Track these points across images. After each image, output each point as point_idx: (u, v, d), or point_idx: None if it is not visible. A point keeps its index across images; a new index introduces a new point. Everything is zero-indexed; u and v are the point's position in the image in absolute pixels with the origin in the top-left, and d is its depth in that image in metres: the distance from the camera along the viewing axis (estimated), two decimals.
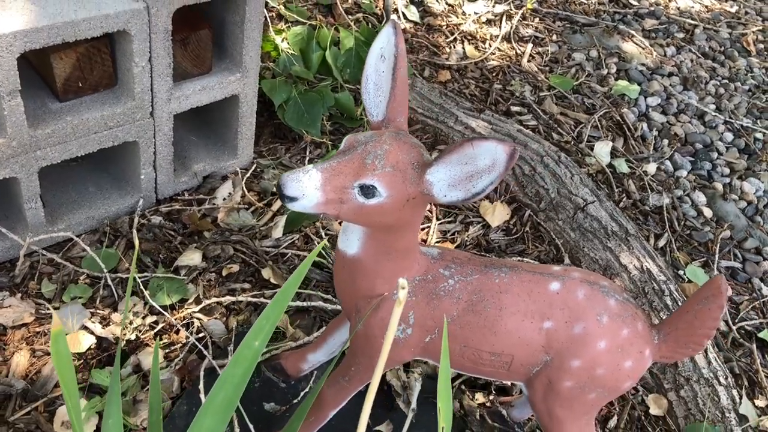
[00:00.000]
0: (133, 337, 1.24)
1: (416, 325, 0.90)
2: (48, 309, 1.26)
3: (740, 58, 2.31)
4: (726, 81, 2.18)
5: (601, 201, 1.61)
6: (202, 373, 1.15)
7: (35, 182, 1.26)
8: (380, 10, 2.03)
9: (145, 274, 1.34)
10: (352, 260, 0.88)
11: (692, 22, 2.41)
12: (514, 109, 1.84)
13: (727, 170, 1.88)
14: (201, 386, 1.13)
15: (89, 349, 1.22)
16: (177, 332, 1.26)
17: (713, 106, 2.05)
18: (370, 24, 1.93)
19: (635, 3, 2.45)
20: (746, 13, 2.59)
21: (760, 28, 2.48)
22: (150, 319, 1.27)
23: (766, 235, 1.74)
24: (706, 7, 2.56)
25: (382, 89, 0.83)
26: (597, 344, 0.88)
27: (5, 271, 1.30)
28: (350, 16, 1.96)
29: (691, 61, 2.23)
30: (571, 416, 0.93)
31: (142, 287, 1.30)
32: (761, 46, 2.41)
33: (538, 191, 1.63)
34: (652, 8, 2.43)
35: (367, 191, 0.77)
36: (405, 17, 2.05)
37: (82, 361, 1.21)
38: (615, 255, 1.52)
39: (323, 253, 1.44)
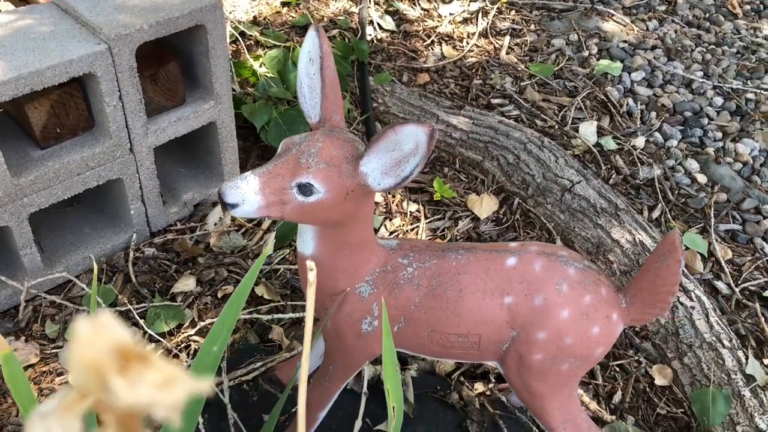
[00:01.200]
0: None
1: (382, 317, 0.92)
2: (52, 349, 1.31)
3: (726, 22, 2.29)
4: (713, 46, 2.17)
5: (588, 180, 1.61)
6: None
7: (26, 229, 1.31)
8: (355, 24, 2.06)
9: (143, 304, 1.38)
10: (309, 260, 0.90)
11: None
12: (495, 101, 1.85)
13: (719, 134, 1.86)
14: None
15: None
16: (176, 356, 1.30)
17: (700, 73, 2.04)
18: (346, 39, 1.97)
19: None
20: None
21: None
22: (149, 347, 1.31)
23: (765, 194, 1.71)
24: None
25: (315, 91, 0.86)
26: (560, 313, 0.88)
27: (9, 317, 1.35)
28: (328, 33, 2.00)
29: (675, 32, 2.21)
30: (549, 389, 0.94)
31: (138, 318, 1.34)
32: (747, 7, 2.39)
33: (524, 178, 1.64)
34: None
35: (305, 189, 0.79)
36: (381, 27, 2.08)
37: None
38: (606, 231, 1.52)
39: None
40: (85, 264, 1.45)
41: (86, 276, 1.44)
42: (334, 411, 1.18)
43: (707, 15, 2.32)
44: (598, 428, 1.01)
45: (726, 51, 2.15)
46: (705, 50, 2.14)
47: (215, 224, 1.55)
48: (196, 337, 1.32)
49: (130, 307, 1.36)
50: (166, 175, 1.57)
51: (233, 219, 1.56)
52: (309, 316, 0.58)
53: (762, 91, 1.97)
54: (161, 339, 1.31)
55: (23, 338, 1.32)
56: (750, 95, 1.97)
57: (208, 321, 1.33)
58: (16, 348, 1.30)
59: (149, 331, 1.31)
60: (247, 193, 0.79)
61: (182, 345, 1.31)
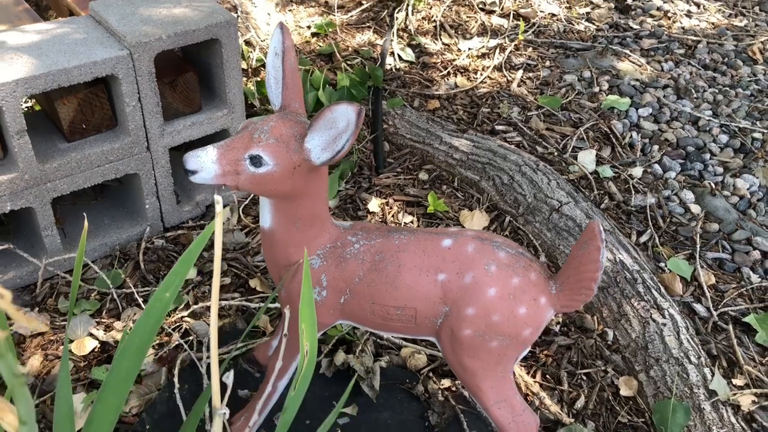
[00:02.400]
0: None
1: (329, 287, 1.02)
2: (61, 321, 1.44)
3: (744, 67, 2.33)
4: (726, 88, 2.21)
5: (576, 202, 1.67)
6: (178, 363, 1.29)
7: (49, 212, 1.46)
8: (377, 54, 2.20)
9: (147, 288, 1.51)
10: (268, 233, 1.01)
11: (695, 38, 2.46)
12: (500, 128, 1.95)
13: (720, 169, 1.89)
14: (176, 373, 1.27)
15: (92, 351, 1.39)
16: (169, 335, 1.41)
17: (709, 112, 2.09)
18: (365, 66, 2.11)
19: (636, 27, 2.52)
20: (756, 25, 2.61)
21: None
22: None
23: (759, 227, 1.74)
24: (712, 24, 2.60)
25: (278, 81, 0.98)
26: (487, 291, 0.96)
27: (28, 292, 1.50)
28: (349, 62, 2.15)
29: (690, 73, 2.27)
30: (481, 366, 1.01)
31: (141, 300, 1.47)
32: None
33: (516, 198, 1.72)
34: (653, 30, 2.50)
35: (256, 161, 0.91)
36: (401, 58, 2.21)
37: (85, 362, 1.37)
38: None
39: None
40: (102, 250, 1.59)
41: (101, 261, 1.59)
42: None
43: (725, 59, 2.37)
44: (533, 413, 1.06)
45: (740, 93, 2.19)
46: (717, 92, 2.19)
47: (222, 223, 1.68)
48: (188, 319, 1.43)
49: (134, 290, 1.50)
50: (183, 177, 1.72)
51: (239, 219, 1.69)
52: (218, 236, 0.68)
53: None
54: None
55: (36, 309, 1.46)
56: (757, 135, 2.00)
57: (201, 305, 1.45)
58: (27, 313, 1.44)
59: None
60: (206, 162, 0.91)
61: (175, 325, 1.43)
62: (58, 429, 0.89)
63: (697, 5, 2.72)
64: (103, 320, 1.45)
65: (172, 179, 1.62)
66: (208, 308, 1.46)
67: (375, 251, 1.00)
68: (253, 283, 1.52)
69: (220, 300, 1.49)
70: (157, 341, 1.40)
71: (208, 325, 1.42)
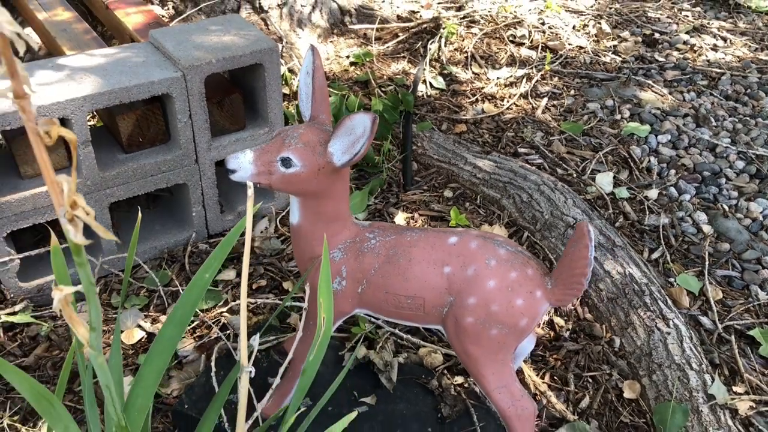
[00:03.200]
0: None
1: (348, 278, 1.15)
2: (112, 314, 1.60)
3: (766, 98, 2.41)
4: (746, 118, 2.29)
5: (591, 219, 1.78)
6: (215, 352, 1.43)
7: (107, 215, 1.63)
8: (409, 81, 2.35)
9: (200, 298, 1.66)
10: (296, 228, 1.15)
11: (719, 71, 2.55)
12: (522, 150, 2.07)
13: (735, 193, 1.97)
14: (213, 359, 1.41)
15: (140, 341, 1.54)
16: (209, 328, 1.56)
17: (727, 140, 2.17)
18: (398, 92, 2.26)
19: (662, 59, 2.63)
20: None
21: None
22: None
23: None
24: (738, 57, 2.69)
25: (309, 97, 1.13)
26: (487, 283, 1.08)
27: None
28: (383, 89, 2.30)
29: (712, 103, 2.36)
30: (483, 353, 1.12)
31: None
32: None
33: (534, 215, 1.83)
34: (678, 62, 2.60)
35: (286, 162, 1.05)
36: (432, 86, 2.36)
37: (133, 350, 1.52)
38: (600, 263, 1.67)
39: None
40: (152, 253, 1.75)
41: (151, 262, 1.75)
42: (325, 385, 1.40)
43: (748, 90, 2.45)
44: (531, 399, 1.17)
45: (759, 123, 2.27)
46: (737, 121, 2.27)
47: (261, 231, 1.83)
48: (226, 314, 1.58)
49: (179, 288, 1.65)
50: (228, 189, 1.88)
51: (276, 229, 1.84)
52: (249, 214, 0.82)
53: None
54: (200, 312, 1.58)
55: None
56: None
57: (237, 302, 1.60)
58: (84, 310, 1.60)
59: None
60: (244, 162, 1.05)
61: (214, 320, 1.57)
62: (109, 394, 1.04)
63: (724, 39, 2.81)
64: (150, 314, 1.60)
65: (217, 190, 1.78)
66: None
67: (389, 246, 1.13)
68: (287, 285, 1.66)
69: (256, 299, 1.63)
70: (198, 333, 1.55)
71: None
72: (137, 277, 1.70)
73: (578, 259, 1.05)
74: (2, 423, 1.35)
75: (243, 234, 1.82)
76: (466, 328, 1.10)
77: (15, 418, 1.37)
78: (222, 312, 1.59)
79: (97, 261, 1.65)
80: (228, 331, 1.54)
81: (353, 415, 1.00)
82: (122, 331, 1.56)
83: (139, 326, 1.57)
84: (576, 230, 1.06)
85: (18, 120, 1.41)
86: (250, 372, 0.87)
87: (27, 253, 1.55)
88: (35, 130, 0.45)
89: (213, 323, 1.56)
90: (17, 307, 1.58)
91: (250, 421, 1.05)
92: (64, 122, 1.51)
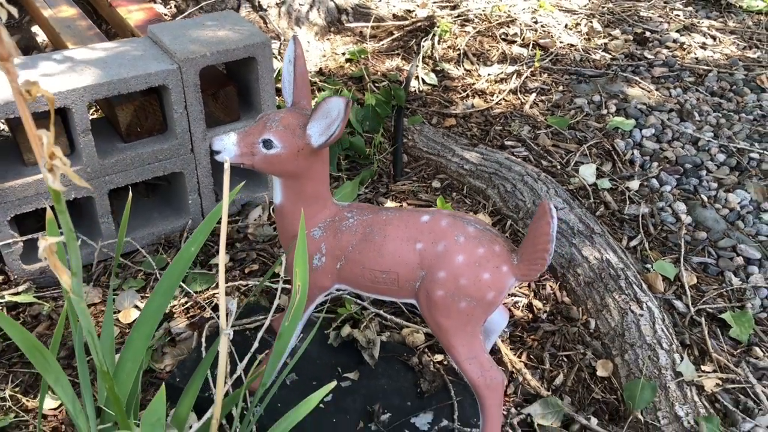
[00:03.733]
0: (168, 310, 1.62)
1: (328, 255, 1.22)
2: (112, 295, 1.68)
3: (751, 94, 2.47)
4: (730, 113, 2.35)
5: (572, 208, 1.84)
6: (206, 330, 1.51)
7: (106, 201, 1.71)
8: (403, 78, 2.43)
9: (185, 270, 1.73)
10: (279, 208, 1.22)
11: (706, 68, 2.61)
12: (509, 143, 2.13)
13: (714, 185, 2.03)
14: (204, 338, 1.48)
15: (135, 320, 1.61)
16: (202, 308, 1.63)
17: (710, 134, 2.23)
18: (391, 88, 2.33)
19: (651, 57, 2.69)
20: None
21: None
22: (183, 299, 1.66)
23: (745, 236, 1.87)
24: (726, 55, 2.74)
25: (291, 83, 1.20)
26: (456, 258, 1.15)
27: (85, 270, 1.75)
28: (377, 84, 2.38)
29: (697, 99, 2.42)
30: (453, 325, 1.19)
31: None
32: None
33: (517, 204, 1.89)
34: (666, 60, 2.66)
35: (268, 144, 1.12)
36: (424, 82, 2.43)
37: (129, 329, 1.60)
38: (578, 249, 1.74)
39: None
40: (149, 239, 1.83)
41: (148, 248, 1.83)
42: (310, 362, 1.48)
43: (733, 87, 2.50)
44: (500, 370, 1.23)
45: (743, 118, 2.33)
46: (721, 116, 2.33)
47: (255, 219, 1.91)
48: (218, 295, 1.65)
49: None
50: (222, 179, 1.95)
51: (269, 217, 1.91)
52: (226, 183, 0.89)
53: (766, 152, 2.14)
54: (194, 293, 1.65)
55: (91, 284, 1.70)
56: (754, 155, 2.14)
57: (229, 284, 1.67)
58: (85, 291, 1.68)
59: (186, 288, 1.66)
60: (228, 144, 1.13)
61: (207, 300, 1.65)
62: (104, 353, 1.11)
63: (713, 38, 2.87)
64: (146, 296, 1.68)
65: (212, 179, 1.85)
66: (237, 288, 1.68)
67: (366, 225, 1.20)
68: (278, 269, 1.73)
69: (248, 281, 1.71)
70: (192, 313, 1.62)
71: (238, 301, 1.64)
72: (135, 261, 1.78)
73: (540, 235, 1.12)
74: (4, 393, 1.43)
75: (236, 220, 1.90)
76: (436, 301, 1.17)
77: (16, 389, 1.45)
78: (214, 293, 1.66)
79: (96, 245, 1.73)
80: (219, 312, 1.62)
81: (332, 384, 1.08)
82: (119, 311, 1.64)
83: (136, 306, 1.65)
84: (539, 209, 1.13)
85: None
86: (229, 334, 0.94)
87: (30, 236, 1.63)
88: (18, 89, 0.53)
89: (206, 304, 1.64)
90: (20, 288, 1.66)
91: (230, 381, 1.12)
92: (65, 111, 1.60)
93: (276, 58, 2.42)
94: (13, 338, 0.82)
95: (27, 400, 1.43)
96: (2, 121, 2.22)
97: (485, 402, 1.23)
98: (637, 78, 2.50)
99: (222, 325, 0.93)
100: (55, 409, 1.44)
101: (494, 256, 1.16)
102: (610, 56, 2.67)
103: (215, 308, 1.63)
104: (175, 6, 2.64)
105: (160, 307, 1.07)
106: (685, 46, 2.78)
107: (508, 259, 1.17)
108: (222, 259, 0.86)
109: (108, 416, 0.98)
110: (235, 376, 1.12)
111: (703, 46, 2.79)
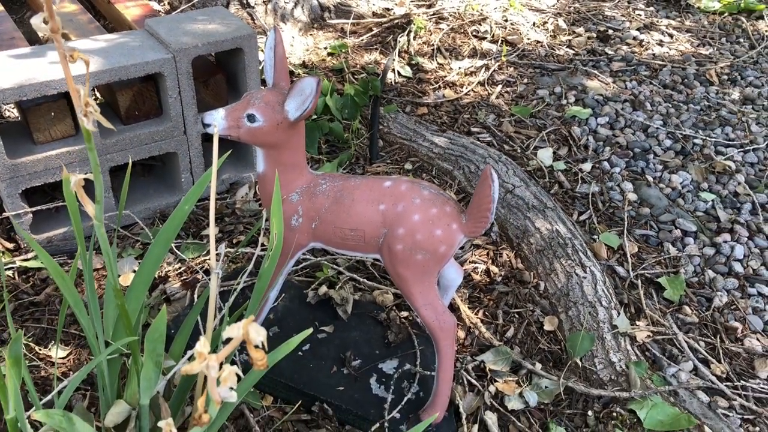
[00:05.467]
0: (163, 274, 1.81)
1: (304, 216, 1.41)
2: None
3: (700, 87, 2.68)
4: (680, 104, 2.56)
5: (528, 186, 2.05)
6: (197, 289, 1.70)
7: (107, 178, 1.90)
8: (380, 70, 2.62)
9: (179, 240, 1.93)
10: (262, 176, 1.42)
11: (661, 63, 2.83)
12: (475, 129, 2.34)
13: (660, 167, 2.24)
14: (195, 296, 1.67)
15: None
16: (195, 273, 1.83)
17: (660, 122, 2.44)
18: (368, 79, 2.53)
19: (611, 53, 2.90)
20: (720, 54, 2.96)
21: (729, 63, 2.84)
22: (177, 265, 1.85)
23: (684, 212, 2.08)
24: (681, 51, 2.96)
25: (271, 67, 1.40)
26: (413, 217, 1.34)
27: (87, 241, 1.93)
28: (356, 76, 2.57)
29: (650, 91, 2.63)
30: (411, 275, 1.38)
31: (175, 248, 1.89)
32: (725, 77, 2.77)
33: None
34: (625, 55, 2.87)
35: (251, 118, 1.32)
36: (400, 74, 2.63)
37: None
38: (532, 222, 1.94)
39: None
40: (146, 213, 2.02)
41: (145, 221, 2.01)
42: (291, 317, 1.67)
43: (684, 80, 2.72)
44: (452, 315, 1.43)
45: (690, 108, 2.54)
46: (671, 106, 2.54)
47: (242, 196, 2.10)
48: (209, 262, 1.84)
49: (172, 243, 1.91)
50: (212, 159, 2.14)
51: (255, 194, 2.11)
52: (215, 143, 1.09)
53: (709, 138, 2.35)
54: (187, 260, 1.84)
55: (93, 252, 1.89)
56: (698, 141, 2.35)
57: (220, 251, 1.86)
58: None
59: (180, 255, 1.85)
60: (217, 118, 1.32)
61: (199, 265, 1.84)
62: (108, 304, 1.30)
63: (670, 36, 3.08)
64: None
65: (203, 159, 2.04)
66: (226, 254, 1.87)
67: (337, 190, 1.40)
68: (262, 240, 1.93)
69: (235, 251, 1.90)
70: (185, 277, 1.81)
71: (227, 266, 1.83)
72: (133, 233, 1.97)
73: (484, 197, 1.32)
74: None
75: (225, 197, 2.09)
76: (397, 254, 1.36)
77: (30, 340, 1.64)
78: (206, 260, 1.85)
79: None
80: (210, 276, 1.81)
81: (309, 330, 1.27)
82: (119, 275, 1.82)
83: (134, 271, 1.84)
84: (482, 173, 1.32)
85: (33, 91, 1.68)
86: (218, 273, 1.13)
87: (38, 207, 1.82)
88: (63, 53, 0.72)
89: (199, 269, 1.83)
90: (30, 255, 1.84)
91: (217, 320, 1.31)
92: (70, 95, 1.78)
93: (261, 51, 2.61)
94: (47, 266, 1.01)
95: (39, 349, 1.62)
96: (11, 106, 2.40)
97: (439, 343, 1.42)
98: (596, 72, 2.71)
99: (212, 265, 1.12)
100: (63, 357, 1.62)
101: (445, 215, 1.35)
102: (573, 52, 2.88)
103: (206, 272, 1.82)
104: (168, 3, 2.82)
105: (161, 250, 1.26)
106: (643, 43, 3.00)
107: (457, 218, 1.36)
108: (213, 205, 1.06)
109: (117, 335, 1.17)
110: (221, 314, 1.31)
111: (660, 43, 3.01)
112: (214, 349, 1.47)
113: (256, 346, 0.55)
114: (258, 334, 0.54)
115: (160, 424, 0.66)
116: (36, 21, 0.70)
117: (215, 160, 1.09)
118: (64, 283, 1.04)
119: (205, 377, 1.26)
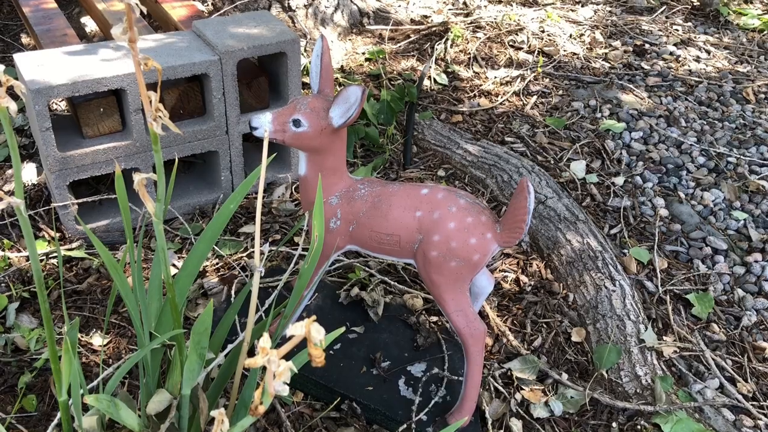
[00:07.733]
0: (202, 269, 1.87)
1: (342, 219, 1.46)
2: (150, 255, 1.93)
3: (736, 105, 2.68)
4: (715, 121, 2.57)
5: (560, 197, 2.07)
6: (235, 283, 1.75)
7: (150, 173, 1.96)
8: (416, 76, 2.66)
9: (225, 223, 1.98)
10: (303, 179, 1.46)
11: (698, 79, 2.83)
12: (509, 139, 2.36)
13: (692, 183, 2.25)
14: (233, 291, 1.72)
15: (173, 276, 1.86)
16: (231, 269, 1.88)
17: (694, 139, 2.45)
18: (405, 85, 2.57)
19: (647, 67, 2.91)
20: (758, 72, 2.95)
21: (766, 82, 2.83)
22: (215, 261, 1.91)
23: (716, 230, 2.09)
24: (717, 68, 2.96)
25: (317, 74, 1.44)
26: (448, 224, 1.38)
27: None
28: (392, 82, 2.61)
29: (685, 107, 2.64)
30: (444, 281, 1.42)
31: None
32: (762, 96, 2.77)
33: (512, 192, 2.12)
34: (661, 70, 2.88)
35: (297, 123, 1.36)
36: (436, 81, 2.67)
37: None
38: (563, 234, 1.97)
39: None
40: (186, 209, 2.08)
41: (185, 216, 2.07)
42: (323, 316, 1.71)
43: (720, 98, 2.72)
44: (482, 322, 1.46)
45: (725, 126, 2.54)
46: (705, 123, 2.55)
47: (278, 196, 2.15)
48: (246, 259, 1.90)
49: None
50: (252, 159, 2.20)
51: (291, 195, 2.16)
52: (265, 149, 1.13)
53: (743, 157, 2.35)
54: (224, 256, 1.90)
55: (135, 244, 1.95)
56: (732, 159, 2.36)
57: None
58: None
59: (218, 251, 1.91)
60: (264, 122, 1.37)
61: (236, 261, 1.89)
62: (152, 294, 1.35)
63: (708, 52, 3.08)
64: (183, 256, 1.92)
65: (243, 159, 2.10)
66: (261, 252, 1.93)
67: (375, 195, 1.44)
68: (297, 239, 1.98)
69: (277, 248, 1.95)
70: (222, 273, 1.87)
71: (261, 263, 1.88)
72: (174, 227, 2.03)
73: (519, 208, 1.35)
74: (62, 328, 1.68)
75: (263, 196, 2.14)
76: (431, 260, 1.40)
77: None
78: (242, 257, 1.91)
79: (140, 211, 1.98)
80: (247, 272, 1.86)
81: (341, 329, 1.31)
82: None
83: (174, 265, 1.90)
84: (518, 185, 1.36)
85: (85, 88, 1.74)
86: (261, 271, 1.18)
87: (84, 199, 1.89)
88: (138, 61, 0.77)
89: (236, 265, 1.88)
90: (74, 245, 1.91)
91: (257, 316, 1.36)
92: (119, 92, 1.85)
93: (303, 54, 2.66)
94: (103, 257, 1.07)
95: (81, 337, 1.68)
96: (60, 101, 2.48)
97: (469, 349, 1.46)
98: (631, 86, 2.72)
99: (256, 263, 1.17)
100: (103, 345, 1.68)
101: (480, 225, 1.39)
102: (609, 65, 2.90)
103: (243, 269, 1.87)
104: (212, 3, 2.89)
105: (209, 242, 1.30)
106: (680, 59, 3.00)
107: (492, 227, 1.40)
108: (259, 205, 1.10)
109: (161, 326, 1.22)
110: (259, 312, 1.36)
111: (697, 59, 3.01)
112: (252, 346, 1.52)
113: (315, 344, 0.59)
114: (318, 333, 0.58)
115: (213, 413, 0.70)
116: (116, 31, 0.75)
117: (264, 162, 1.14)
118: (118, 273, 1.09)
119: (244, 371, 1.31)
